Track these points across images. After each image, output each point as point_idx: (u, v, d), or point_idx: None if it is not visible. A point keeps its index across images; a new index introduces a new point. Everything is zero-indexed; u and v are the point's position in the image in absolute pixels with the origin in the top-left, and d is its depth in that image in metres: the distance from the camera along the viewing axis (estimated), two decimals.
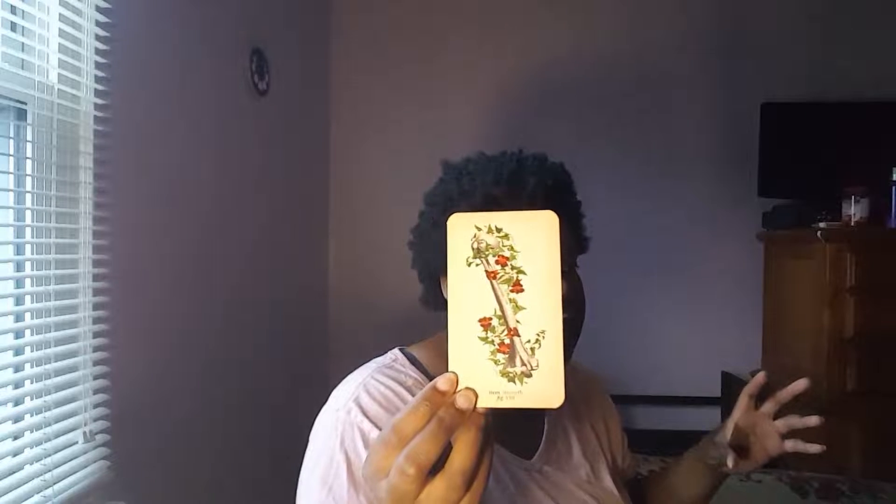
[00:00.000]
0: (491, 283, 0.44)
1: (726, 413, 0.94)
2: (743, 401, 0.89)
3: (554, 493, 0.82)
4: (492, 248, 0.44)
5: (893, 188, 2.16)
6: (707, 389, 2.60)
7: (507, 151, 0.83)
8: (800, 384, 0.86)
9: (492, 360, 0.43)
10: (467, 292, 0.44)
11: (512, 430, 0.79)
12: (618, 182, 2.62)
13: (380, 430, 0.69)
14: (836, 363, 2.10)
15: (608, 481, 0.89)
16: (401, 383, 0.76)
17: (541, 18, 2.75)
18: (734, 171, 2.63)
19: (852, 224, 2.17)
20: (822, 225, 2.16)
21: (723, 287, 2.68)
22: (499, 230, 0.44)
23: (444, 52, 2.78)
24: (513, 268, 0.44)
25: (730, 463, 0.85)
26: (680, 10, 2.70)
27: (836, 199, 2.22)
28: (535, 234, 0.44)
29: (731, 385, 2.53)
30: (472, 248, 0.44)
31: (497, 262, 0.44)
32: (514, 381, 0.43)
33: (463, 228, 0.45)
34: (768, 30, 2.67)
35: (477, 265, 0.44)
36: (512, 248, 0.44)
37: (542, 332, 0.43)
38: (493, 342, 0.43)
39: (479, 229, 0.44)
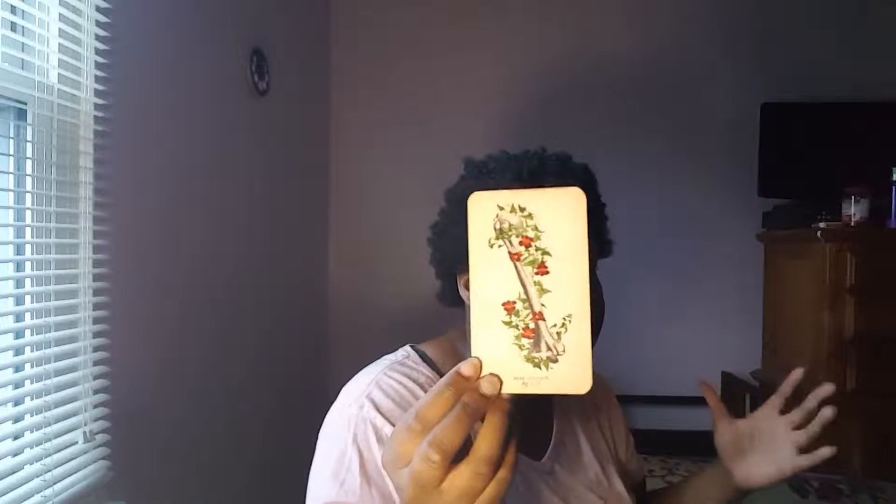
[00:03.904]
0: (514, 265, 0.42)
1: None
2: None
3: (564, 494, 0.81)
4: (515, 229, 0.42)
5: (893, 188, 2.15)
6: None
7: (530, 150, 0.81)
8: (795, 373, 0.82)
9: (516, 344, 0.42)
10: (490, 275, 0.42)
11: (521, 431, 0.79)
12: (617, 182, 2.61)
13: (393, 426, 0.68)
14: (836, 363, 2.10)
15: (618, 484, 0.88)
16: (413, 380, 0.76)
17: (541, 18, 2.74)
18: (734, 171, 2.63)
19: (852, 224, 2.17)
20: (822, 225, 2.16)
21: (723, 287, 2.68)
22: (522, 209, 0.42)
23: (444, 51, 2.78)
24: (537, 249, 0.42)
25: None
26: (679, 10, 2.70)
27: (836, 199, 2.22)
28: (560, 213, 0.42)
29: (731, 385, 2.52)
30: (495, 229, 0.42)
31: (521, 244, 0.42)
32: (540, 367, 0.41)
33: (484, 207, 0.43)
34: (768, 30, 2.67)
35: (500, 246, 0.42)
36: (536, 228, 0.42)
37: (569, 315, 0.41)
38: (517, 326, 0.42)
39: (501, 209, 0.42)
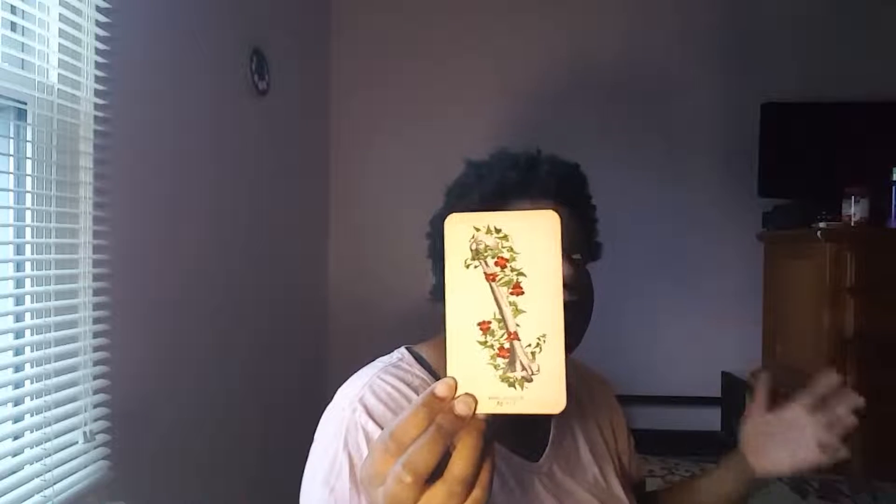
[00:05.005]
0: (490, 285, 0.42)
1: (726, 413, 0.93)
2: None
3: (561, 495, 0.80)
4: (490, 250, 0.43)
5: (893, 188, 2.16)
6: (707, 389, 2.60)
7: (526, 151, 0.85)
8: (832, 377, 0.84)
9: (491, 364, 0.42)
10: (466, 295, 0.43)
11: (518, 432, 0.79)
12: (618, 183, 2.62)
13: None
14: (836, 363, 2.10)
15: (617, 486, 0.88)
16: (407, 383, 0.75)
17: (542, 19, 2.75)
18: (734, 171, 2.63)
19: (852, 224, 2.17)
20: (822, 225, 2.16)
21: (723, 287, 2.68)
22: (497, 231, 0.43)
23: (444, 52, 2.78)
24: (512, 270, 0.42)
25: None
26: (680, 10, 2.70)
27: (836, 199, 2.22)
28: (535, 235, 0.43)
29: (731, 385, 2.52)
30: (471, 250, 0.43)
31: (496, 264, 0.42)
32: (515, 387, 0.42)
33: (461, 229, 0.43)
34: (768, 30, 2.67)
35: (475, 267, 0.43)
36: (511, 250, 0.42)
37: (543, 336, 0.42)
38: (492, 346, 0.42)
39: (477, 230, 0.43)
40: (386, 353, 0.83)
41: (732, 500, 0.92)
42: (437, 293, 0.84)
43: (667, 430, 2.47)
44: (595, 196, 0.86)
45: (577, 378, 0.98)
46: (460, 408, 0.41)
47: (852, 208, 2.17)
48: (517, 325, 0.42)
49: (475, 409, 0.41)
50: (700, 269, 2.69)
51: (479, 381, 0.42)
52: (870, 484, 1.56)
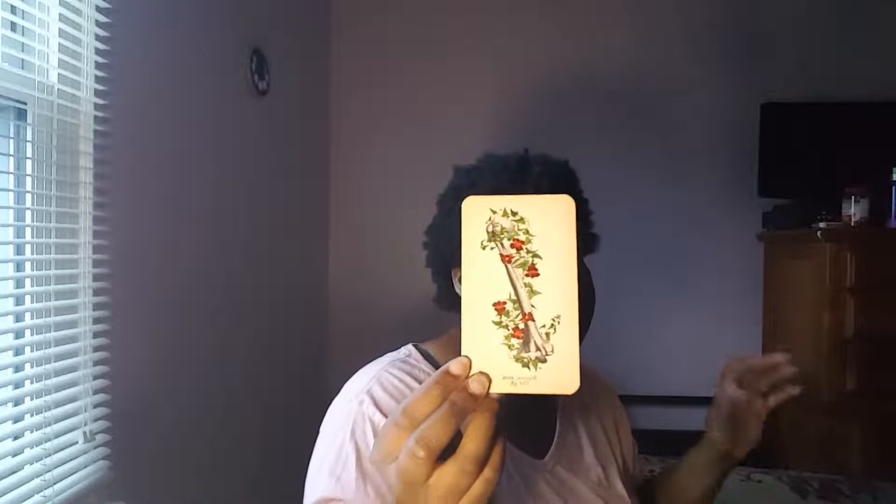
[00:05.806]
0: (506, 266, 0.43)
1: None
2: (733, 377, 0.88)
3: (565, 493, 0.81)
4: (507, 232, 0.43)
5: (893, 188, 2.16)
6: (707, 389, 2.57)
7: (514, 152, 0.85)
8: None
9: (506, 344, 0.42)
10: (482, 276, 0.43)
11: (524, 429, 0.79)
12: (617, 183, 2.62)
13: None
14: (836, 363, 2.10)
15: (619, 486, 0.89)
16: (414, 377, 0.76)
17: (542, 19, 2.75)
18: (734, 171, 2.63)
19: (852, 224, 2.17)
20: (822, 225, 2.16)
21: (723, 287, 2.68)
22: (514, 213, 0.44)
23: (444, 52, 2.78)
24: (528, 252, 0.43)
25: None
26: (681, 10, 2.70)
27: (836, 199, 2.22)
28: (550, 218, 0.43)
29: None
30: (487, 232, 0.44)
31: (512, 246, 0.43)
32: (529, 367, 0.42)
33: (478, 211, 0.44)
34: (768, 30, 2.67)
35: (492, 249, 0.43)
36: (527, 232, 0.43)
37: (558, 317, 0.42)
38: (507, 327, 0.43)
39: (494, 212, 0.44)
40: (388, 352, 0.84)
41: (718, 476, 0.92)
42: (441, 301, 0.85)
43: (667, 430, 2.47)
44: (594, 196, 0.87)
45: (582, 376, 0.97)
46: (474, 386, 0.41)
47: (852, 208, 2.17)
48: (532, 306, 0.43)
49: (489, 388, 0.41)
50: (700, 269, 2.69)
51: (493, 360, 0.42)
52: (870, 484, 1.56)
